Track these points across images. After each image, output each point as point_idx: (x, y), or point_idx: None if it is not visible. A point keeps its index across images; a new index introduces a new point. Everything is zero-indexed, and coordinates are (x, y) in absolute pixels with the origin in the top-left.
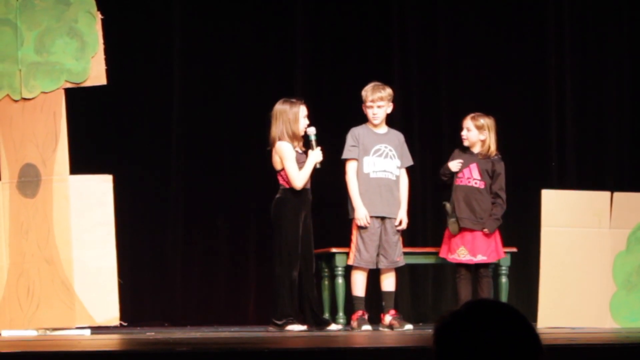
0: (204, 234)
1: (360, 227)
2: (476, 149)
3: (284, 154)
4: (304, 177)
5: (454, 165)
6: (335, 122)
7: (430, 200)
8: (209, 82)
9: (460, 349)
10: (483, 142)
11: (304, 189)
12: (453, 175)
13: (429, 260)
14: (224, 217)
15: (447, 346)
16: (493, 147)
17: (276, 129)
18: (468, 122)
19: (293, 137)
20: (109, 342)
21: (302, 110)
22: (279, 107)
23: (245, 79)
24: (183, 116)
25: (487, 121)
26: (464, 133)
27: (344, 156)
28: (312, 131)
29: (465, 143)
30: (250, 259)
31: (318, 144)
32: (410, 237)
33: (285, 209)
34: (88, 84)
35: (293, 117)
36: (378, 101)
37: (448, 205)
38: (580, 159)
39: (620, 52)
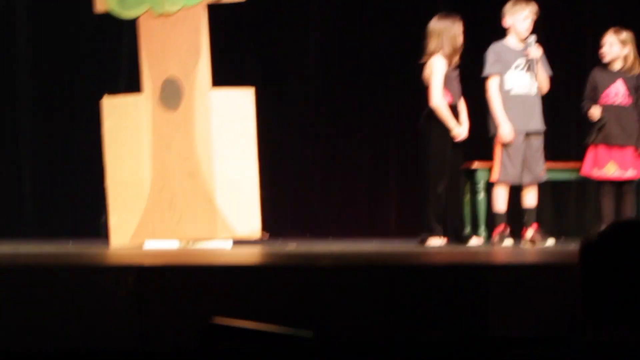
0: (345, 146)
1: (505, 143)
2: (617, 65)
3: (435, 68)
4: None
5: (594, 114)
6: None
7: (574, 114)
8: None
9: (606, 269)
10: (626, 57)
11: (453, 104)
12: (596, 97)
13: (572, 176)
14: (366, 129)
15: (593, 266)
16: (637, 62)
17: (435, 44)
18: (611, 37)
19: (453, 54)
20: (250, 257)
21: (461, 26)
22: (440, 22)
23: None
24: (322, 29)
25: (629, 35)
26: (605, 49)
27: (486, 72)
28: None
29: (607, 59)
30: (392, 171)
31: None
32: (553, 151)
33: (434, 124)
34: (229, 0)
35: (456, 33)
36: (532, 16)
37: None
38: None
39: None
